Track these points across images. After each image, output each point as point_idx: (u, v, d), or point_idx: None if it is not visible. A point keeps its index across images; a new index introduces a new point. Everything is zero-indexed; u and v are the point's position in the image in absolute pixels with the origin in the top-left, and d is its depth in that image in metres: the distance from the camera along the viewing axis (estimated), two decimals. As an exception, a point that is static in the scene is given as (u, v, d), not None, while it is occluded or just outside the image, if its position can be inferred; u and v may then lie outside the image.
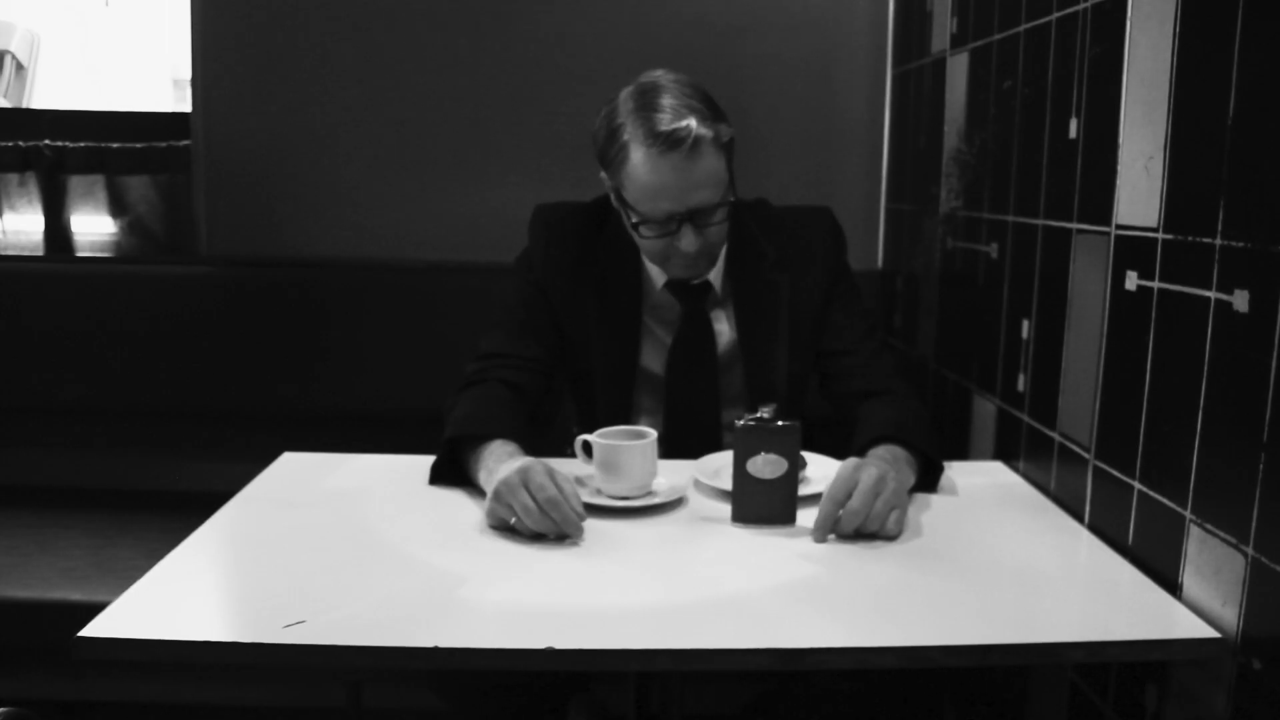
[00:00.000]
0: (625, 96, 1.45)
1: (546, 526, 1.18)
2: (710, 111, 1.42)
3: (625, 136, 1.41)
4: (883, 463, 1.27)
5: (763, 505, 1.25)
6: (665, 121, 1.38)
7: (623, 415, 1.56)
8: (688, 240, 1.43)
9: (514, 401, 1.48)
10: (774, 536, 1.23)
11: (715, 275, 1.56)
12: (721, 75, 2.19)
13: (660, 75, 1.46)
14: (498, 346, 1.55)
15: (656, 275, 1.56)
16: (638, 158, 1.40)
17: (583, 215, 1.59)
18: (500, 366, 1.52)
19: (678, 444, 1.52)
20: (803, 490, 1.34)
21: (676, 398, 1.57)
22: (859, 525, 1.19)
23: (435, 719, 1.70)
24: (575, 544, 1.19)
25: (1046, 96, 1.41)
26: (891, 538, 1.21)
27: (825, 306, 1.58)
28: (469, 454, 1.36)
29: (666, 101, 1.41)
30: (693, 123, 1.38)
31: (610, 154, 1.44)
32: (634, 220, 1.44)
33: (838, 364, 1.57)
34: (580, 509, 1.21)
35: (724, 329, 1.58)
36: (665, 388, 1.57)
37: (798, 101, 2.21)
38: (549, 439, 1.55)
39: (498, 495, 1.20)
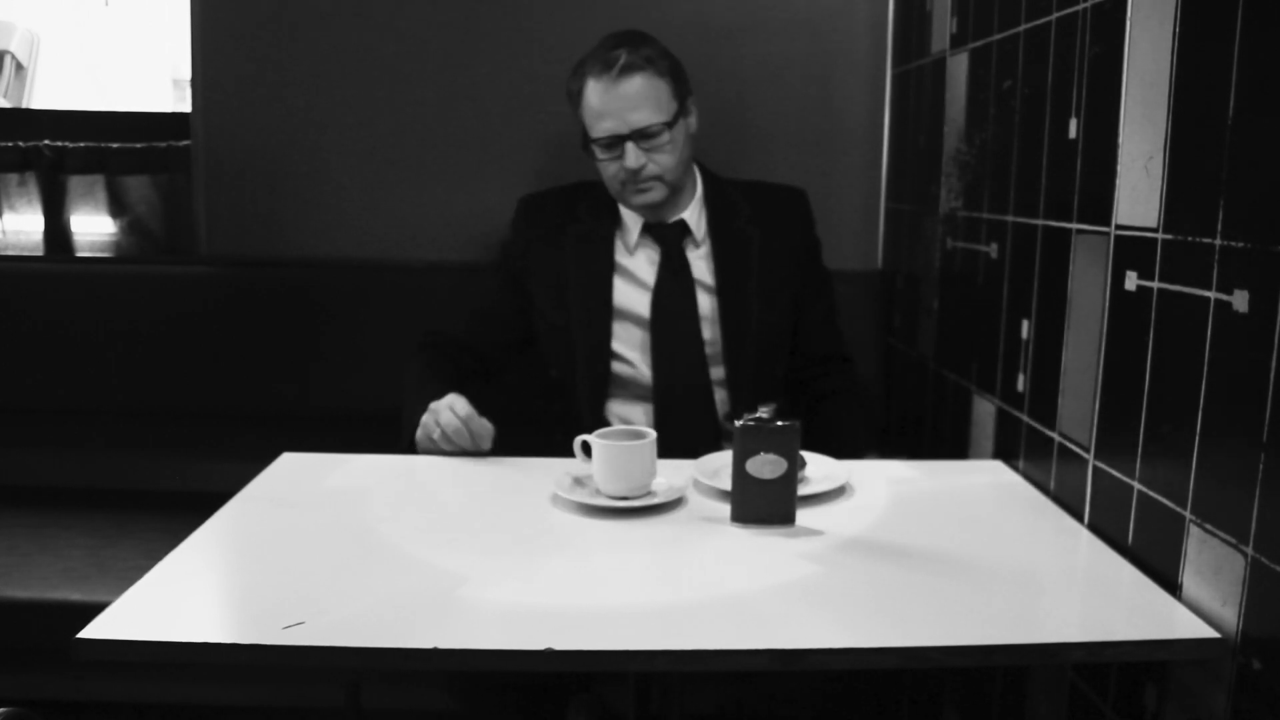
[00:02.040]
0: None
1: (463, 443, 1.48)
2: (652, 50, 1.64)
3: (581, 70, 1.65)
4: None
5: (762, 505, 1.25)
6: (603, 52, 1.63)
7: (603, 361, 1.68)
8: (632, 157, 1.60)
9: (458, 360, 1.71)
10: (774, 536, 1.23)
11: (694, 218, 1.72)
12: (721, 75, 2.20)
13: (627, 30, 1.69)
14: (460, 329, 1.78)
15: (633, 222, 1.71)
16: (586, 87, 1.63)
17: (561, 190, 1.80)
18: (451, 340, 1.75)
19: (664, 391, 1.67)
20: (802, 490, 1.34)
21: (660, 335, 1.68)
22: None
23: (435, 719, 1.70)
24: (569, 540, 1.19)
25: (1046, 96, 1.41)
26: None
27: (797, 273, 1.75)
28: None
29: (614, 42, 1.64)
30: (625, 51, 1.61)
31: (573, 91, 1.67)
32: (589, 146, 1.65)
33: (811, 356, 1.79)
34: (481, 428, 1.47)
35: (701, 271, 1.72)
36: (650, 325, 1.68)
37: (798, 101, 2.21)
38: (552, 439, 1.55)
39: (423, 425, 1.50)
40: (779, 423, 1.24)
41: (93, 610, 0.99)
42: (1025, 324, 1.48)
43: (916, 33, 2.01)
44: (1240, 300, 0.98)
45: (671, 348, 1.68)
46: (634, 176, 1.62)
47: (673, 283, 1.69)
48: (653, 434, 1.32)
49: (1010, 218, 1.54)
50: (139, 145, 2.31)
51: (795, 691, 1.56)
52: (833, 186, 2.23)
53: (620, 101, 1.60)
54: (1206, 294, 1.03)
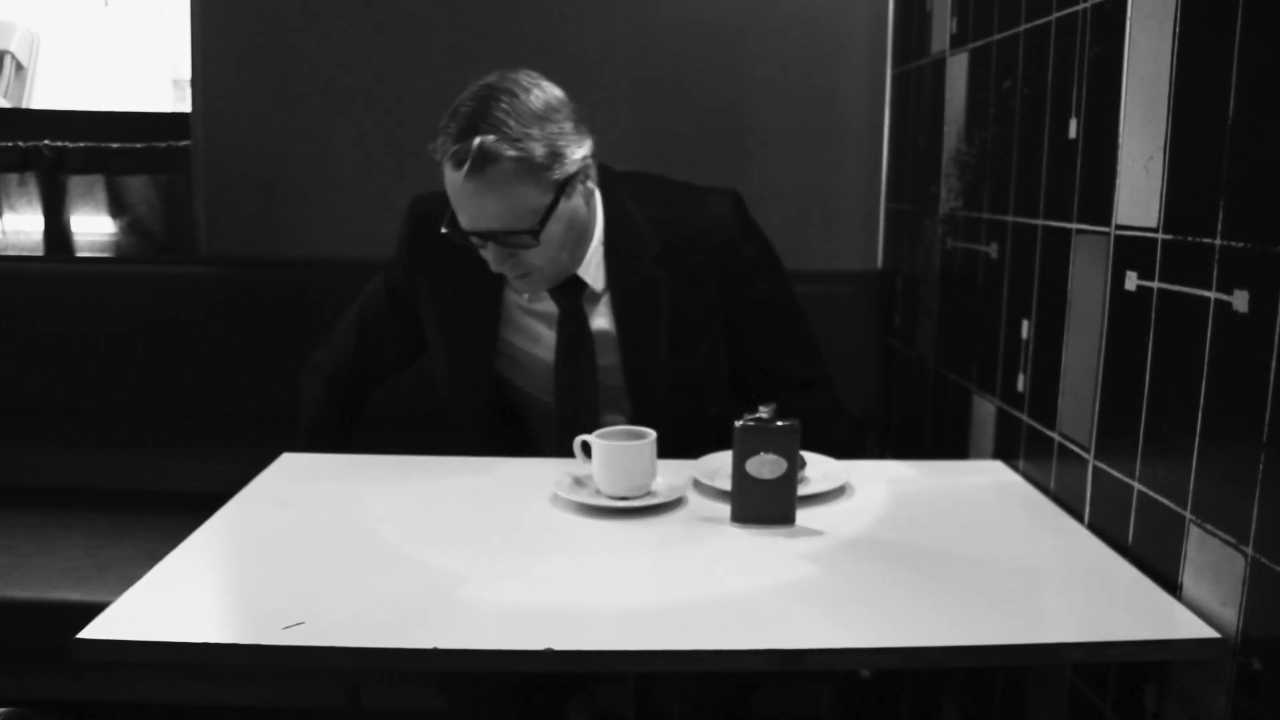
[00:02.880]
0: (465, 94, 1.36)
1: None
2: (516, 127, 1.31)
3: (436, 138, 1.35)
4: None
5: (762, 505, 1.25)
6: (454, 129, 1.32)
7: (490, 406, 1.57)
8: (494, 259, 1.38)
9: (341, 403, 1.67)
10: (774, 536, 1.23)
11: (591, 272, 1.48)
12: (721, 75, 2.20)
13: (504, 78, 1.37)
14: (339, 347, 1.67)
15: None
16: (441, 162, 1.35)
17: None
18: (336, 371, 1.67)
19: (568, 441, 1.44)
20: (802, 490, 1.34)
21: (564, 395, 1.53)
22: None
23: (435, 719, 1.70)
24: (569, 540, 1.19)
25: (1046, 96, 1.41)
26: None
27: (724, 305, 1.51)
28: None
29: (469, 118, 1.32)
30: (479, 138, 1.29)
31: (432, 153, 1.37)
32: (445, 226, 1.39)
33: (759, 384, 1.50)
34: None
35: (604, 324, 1.51)
36: (554, 383, 1.53)
37: (798, 101, 2.21)
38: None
39: None
40: (779, 423, 1.24)
41: (93, 610, 0.99)
42: (1025, 324, 1.48)
43: (916, 33, 2.01)
44: (1240, 300, 0.98)
45: (577, 400, 1.53)
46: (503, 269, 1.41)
47: (568, 341, 1.50)
48: (652, 434, 1.32)
49: (1010, 218, 1.54)
50: (139, 145, 2.31)
51: (795, 691, 1.54)
52: (833, 186, 2.23)
53: (472, 202, 1.34)
54: (1206, 294, 1.03)
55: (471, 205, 1.34)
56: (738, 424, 1.24)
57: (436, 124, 1.36)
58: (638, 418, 1.49)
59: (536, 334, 1.52)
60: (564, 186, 1.36)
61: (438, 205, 1.42)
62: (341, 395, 1.67)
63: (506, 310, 1.53)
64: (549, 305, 1.51)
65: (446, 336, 1.54)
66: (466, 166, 1.30)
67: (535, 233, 1.35)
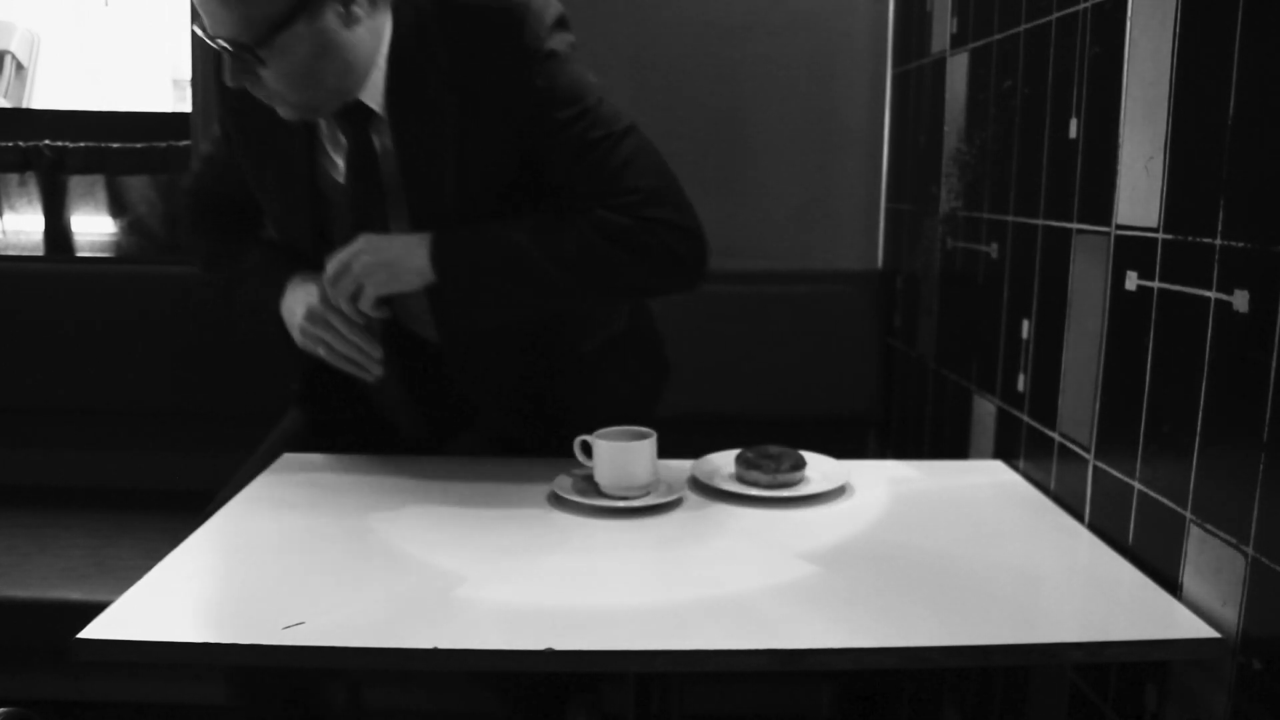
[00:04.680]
0: None
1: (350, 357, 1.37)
2: None
3: None
4: (377, 239, 1.34)
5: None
6: None
7: (309, 239, 1.45)
8: (228, 73, 1.26)
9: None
10: (774, 537, 1.23)
11: (374, 96, 1.36)
12: (721, 75, 2.20)
13: None
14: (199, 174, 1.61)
15: None
16: None
17: None
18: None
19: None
20: (802, 490, 1.34)
21: (360, 222, 1.41)
22: (335, 294, 1.34)
23: (435, 719, 1.70)
24: (569, 540, 1.19)
25: (1046, 96, 1.41)
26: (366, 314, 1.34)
27: (521, 137, 1.36)
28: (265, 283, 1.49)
29: None
30: None
31: None
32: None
33: (570, 202, 1.38)
34: (373, 352, 1.37)
35: (389, 146, 1.40)
36: (351, 220, 1.42)
37: (798, 101, 2.21)
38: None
39: (304, 332, 1.39)
40: None
41: (92, 610, 0.99)
42: (1025, 324, 1.48)
43: (916, 33, 2.01)
44: (1240, 300, 0.98)
45: (366, 219, 1.41)
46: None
47: (357, 168, 1.40)
48: (653, 434, 1.32)
49: (1010, 218, 1.54)
50: (139, 145, 2.30)
51: (795, 691, 1.54)
52: (833, 186, 2.23)
53: (203, 4, 1.21)
54: (1206, 294, 1.03)
55: (205, 7, 1.22)
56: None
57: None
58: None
59: (338, 162, 1.43)
60: (306, 3, 1.23)
61: None
62: (219, 207, 1.58)
63: (319, 140, 1.43)
64: (340, 158, 1.42)
65: (260, 168, 1.45)
66: None
67: (253, 49, 1.22)
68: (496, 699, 1.53)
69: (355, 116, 1.37)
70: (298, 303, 1.41)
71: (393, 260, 1.33)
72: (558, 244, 1.35)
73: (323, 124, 1.41)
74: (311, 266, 1.42)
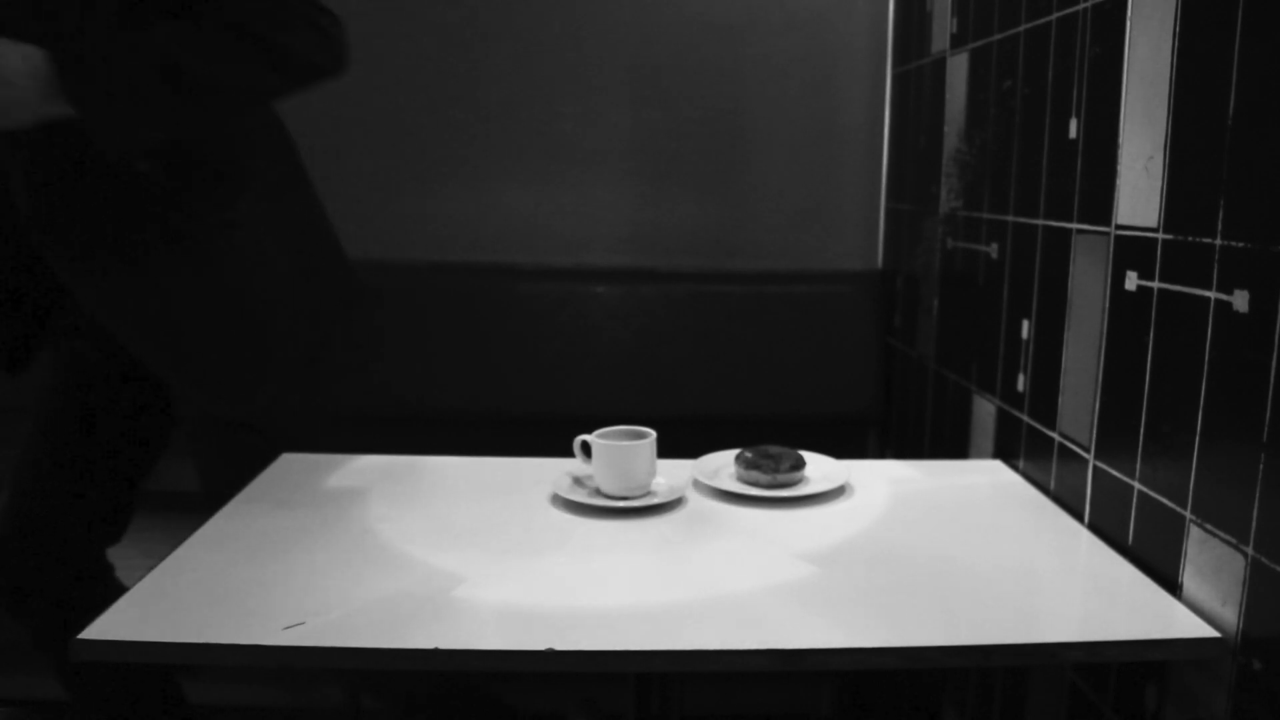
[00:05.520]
0: None
1: None
2: None
3: None
4: None
5: None
6: None
7: None
8: None
9: None
10: (774, 537, 1.23)
11: None
12: (721, 75, 2.20)
13: None
14: None
15: None
16: None
17: None
18: None
19: None
20: (802, 490, 1.34)
21: None
22: None
23: (434, 719, 1.70)
24: (569, 540, 1.19)
25: (1046, 96, 1.41)
26: None
27: None
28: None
29: None
30: None
31: None
32: None
33: None
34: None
35: None
36: None
37: (798, 101, 2.21)
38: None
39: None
40: None
41: (92, 610, 0.99)
42: (1025, 324, 1.48)
43: (916, 33, 2.01)
44: (1240, 300, 0.98)
45: None
46: None
47: None
48: (652, 434, 1.32)
49: (1010, 218, 1.54)
50: (139, 145, 2.30)
51: (795, 691, 1.53)
52: (833, 186, 2.24)
53: None
54: (1206, 294, 1.03)
55: None
56: None
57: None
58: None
59: None
60: None
61: None
62: None
63: None
64: None
65: None
66: None
67: None
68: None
69: None
70: None
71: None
72: (190, 31, 1.26)
73: None
74: None
